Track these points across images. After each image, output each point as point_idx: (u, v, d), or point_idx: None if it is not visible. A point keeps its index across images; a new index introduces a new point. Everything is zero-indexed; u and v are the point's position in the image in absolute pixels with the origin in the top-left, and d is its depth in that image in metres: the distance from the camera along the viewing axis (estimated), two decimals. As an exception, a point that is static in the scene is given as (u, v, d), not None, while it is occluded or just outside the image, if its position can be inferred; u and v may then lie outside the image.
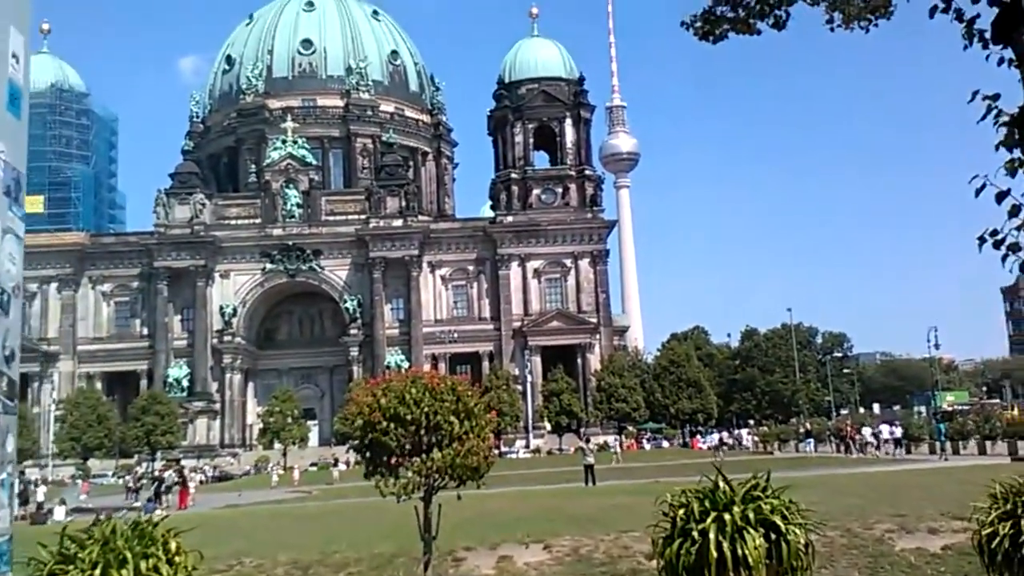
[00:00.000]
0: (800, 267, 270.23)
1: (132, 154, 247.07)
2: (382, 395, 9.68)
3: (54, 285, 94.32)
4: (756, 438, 70.77)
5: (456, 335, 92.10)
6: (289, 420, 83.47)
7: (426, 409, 9.46)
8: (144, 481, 49.42)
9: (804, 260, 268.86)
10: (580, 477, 36.54)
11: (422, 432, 9.50)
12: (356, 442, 10.13)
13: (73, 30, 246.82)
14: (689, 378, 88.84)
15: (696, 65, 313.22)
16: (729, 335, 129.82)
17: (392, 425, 9.48)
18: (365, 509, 20.85)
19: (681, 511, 7.87)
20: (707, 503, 7.74)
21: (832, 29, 6.84)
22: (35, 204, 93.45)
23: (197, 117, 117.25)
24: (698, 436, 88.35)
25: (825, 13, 6.74)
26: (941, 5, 5.22)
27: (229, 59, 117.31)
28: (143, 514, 28.19)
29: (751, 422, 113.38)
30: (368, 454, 9.93)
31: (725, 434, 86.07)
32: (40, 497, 38.42)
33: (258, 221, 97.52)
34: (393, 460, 9.67)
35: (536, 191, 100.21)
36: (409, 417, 9.42)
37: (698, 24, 7.06)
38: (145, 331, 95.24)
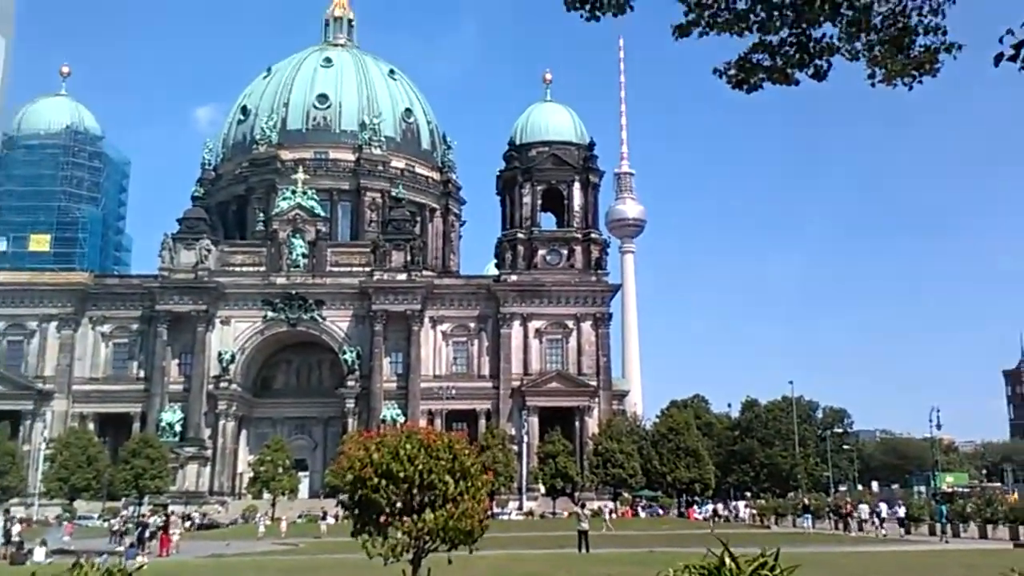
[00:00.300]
0: (803, 340, 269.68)
1: (142, 198, 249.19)
2: (375, 450, 9.27)
3: (54, 324, 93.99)
4: (753, 511, 69.62)
5: (454, 391, 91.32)
6: (280, 470, 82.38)
7: (420, 467, 9.01)
8: (129, 526, 48.55)
9: (807, 333, 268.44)
10: (573, 542, 35.85)
11: (414, 491, 9.05)
12: (345, 497, 9.75)
13: (92, 74, 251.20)
14: (688, 446, 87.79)
15: (706, 135, 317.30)
16: (730, 405, 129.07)
17: (383, 482, 9.05)
18: (350, 567, 20.29)
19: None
20: (710, 581, 7.46)
21: (873, 85, 6.59)
22: (41, 243, 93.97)
23: (209, 164, 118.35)
24: (695, 506, 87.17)
25: (867, 68, 6.47)
26: (1010, 52, 4.94)
27: (244, 110, 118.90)
28: (124, 560, 27.65)
29: (748, 494, 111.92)
30: (357, 511, 9.52)
31: (720, 505, 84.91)
32: (15, 536, 37.61)
33: (262, 269, 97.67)
34: (383, 519, 9.22)
35: (542, 252, 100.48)
36: (402, 474, 8.99)
37: (732, 72, 6.82)
38: (142, 373, 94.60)
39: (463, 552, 9.65)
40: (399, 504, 9.46)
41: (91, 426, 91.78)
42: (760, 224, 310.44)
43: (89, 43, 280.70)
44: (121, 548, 38.52)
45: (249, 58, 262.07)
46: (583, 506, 41.56)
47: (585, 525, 33.84)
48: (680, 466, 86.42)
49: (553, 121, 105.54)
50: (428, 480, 9.50)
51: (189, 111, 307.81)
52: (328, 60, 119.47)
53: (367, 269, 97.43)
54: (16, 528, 43.37)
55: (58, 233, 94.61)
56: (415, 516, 9.40)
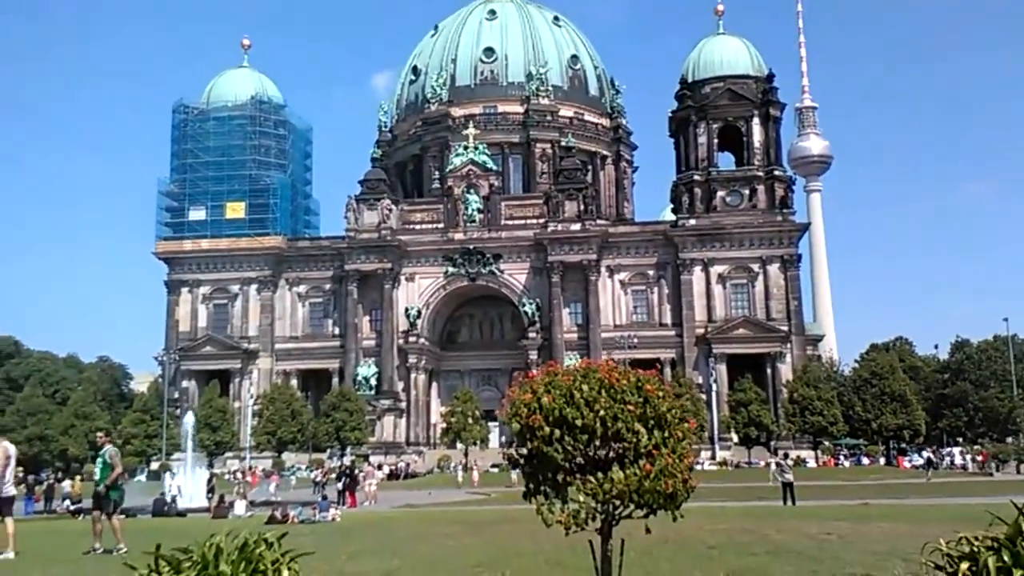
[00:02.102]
0: (1014, 275, 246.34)
1: (326, 163, 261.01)
2: (544, 392, 7.70)
3: (254, 286, 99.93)
4: (976, 457, 63.98)
5: (636, 340, 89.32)
6: (470, 420, 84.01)
7: (602, 412, 7.38)
8: (330, 476, 50.40)
9: (1017, 268, 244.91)
10: (773, 494, 33.56)
11: (597, 443, 7.50)
12: (512, 450, 8.28)
13: (273, 46, 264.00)
14: (893, 391, 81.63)
15: (891, 62, 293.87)
16: (936, 346, 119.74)
17: (557, 432, 7.54)
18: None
19: (966, 565, 5.65)
20: (1007, 556, 5.49)
21: None
22: (237, 210, 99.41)
23: (385, 126, 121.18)
24: (904, 454, 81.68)
25: None
26: None
27: (415, 70, 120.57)
28: (317, 512, 28.15)
29: (960, 440, 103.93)
30: (527, 468, 7.99)
31: (930, 453, 78.85)
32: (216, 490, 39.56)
33: (441, 226, 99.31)
34: (560, 477, 7.71)
35: (721, 193, 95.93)
36: (579, 423, 7.38)
37: None
38: (336, 331, 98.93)
39: (663, 517, 7.91)
40: (579, 460, 7.74)
41: (293, 382, 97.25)
42: (955, 152, 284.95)
43: (268, 15, 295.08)
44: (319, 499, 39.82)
45: (418, 19, 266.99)
46: (785, 456, 38.78)
47: (789, 476, 31.40)
48: (886, 412, 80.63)
49: (727, 54, 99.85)
50: (613, 429, 7.76)
51: (367, 78, 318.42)
52: (492, 12, 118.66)
53: (541, 221, 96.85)
54: (240, 480, 46.11)
55: (251, 200, 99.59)
56: (601, 474, 7.67)
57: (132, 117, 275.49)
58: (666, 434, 7.79)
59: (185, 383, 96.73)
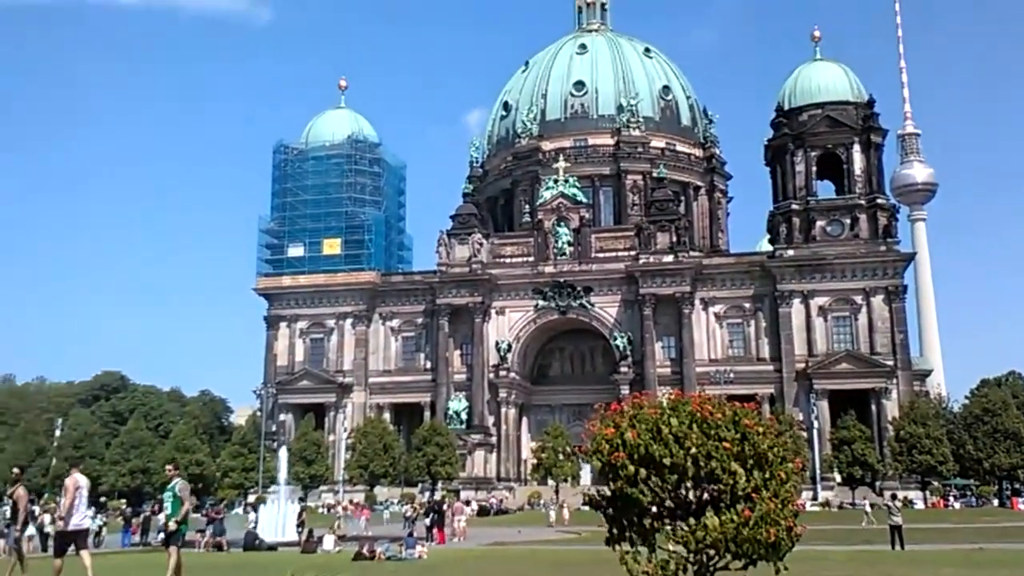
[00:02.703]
0: None
1: (419, 199, 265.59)
2: (628, 427, 6.93)
3: (349, 321, 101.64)
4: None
5: (732, 375, 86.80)
6: (561, 456, 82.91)
7: (694, 450, 6.57)
8: (420, 512, 50.13)
9: None
10: (879, 537, 31.60)
11: (688, 484, 6.69)
12: (594, 490, 7.48)
13: (369, 86, 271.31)
14: (1006, 428, 76.84)
15: (995, 84, 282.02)
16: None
17: (643, 471, 6.72)
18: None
19: None
20: None
21: None
22: (334, 246, 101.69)
23: (476, 162, 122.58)
24: (1020, 495, 76.86)
25: None
26: None
27: (506, 105, 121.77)
28: (404, 548, 27.80)
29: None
30: (611, 511, 7.19)
31: None
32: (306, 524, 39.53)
33: (531, 259, 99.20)
34: (647, 523, 6.88)
35: (820, 223, 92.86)
36: (668, 461, 6.57)
37: None
38: (428, 364, 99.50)
39: (763, 569, 6.98)
40: (668, 503, 6.94)
41: (386, 416, 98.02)
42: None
43: (364, 56, 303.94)
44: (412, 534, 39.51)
45: (510, 57, 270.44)
46: (893, 497, 36.50)
47: (898, 518, 29.42)
48: (999, 450, 75.87)
49: (825, 80, 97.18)
50: (707, 469, 7.10)
51: (459, 115, 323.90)
52: (583, 47, 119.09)
53: (632, 253, 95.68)
54: (339, 515, 46.02)
55: (347, 236, 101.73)
56: (692, 520, 6.85)
57: (236, 158, 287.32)
58: (767, 475, 6.98)
59: (282, 416, 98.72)
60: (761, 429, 7.04)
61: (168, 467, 17.79)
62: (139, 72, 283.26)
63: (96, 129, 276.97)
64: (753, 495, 6.89)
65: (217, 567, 22.10)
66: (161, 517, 43.63)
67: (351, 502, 70.85)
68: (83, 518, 16.57)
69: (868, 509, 56.18)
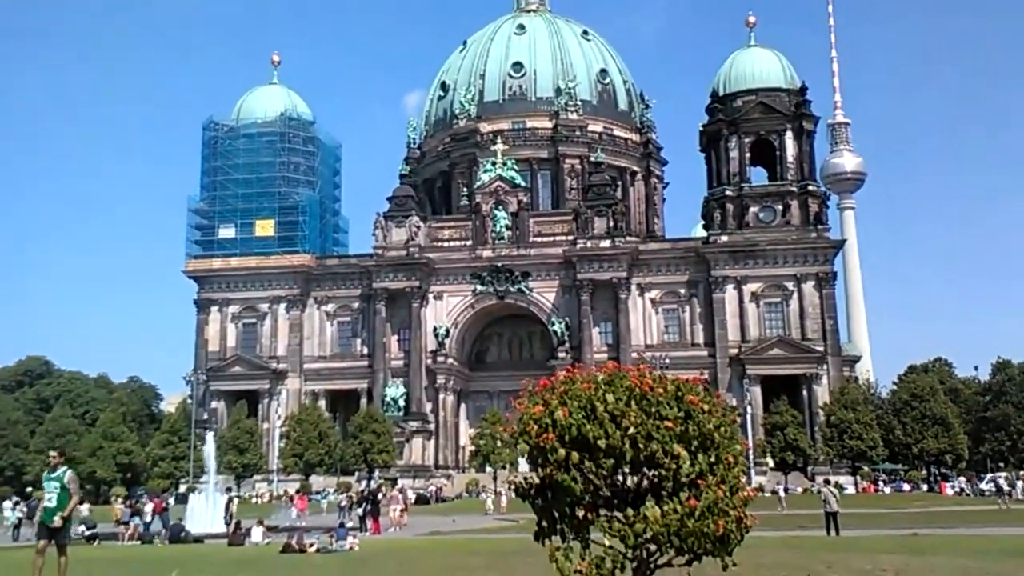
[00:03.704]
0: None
1: (356, 181, 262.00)
2: (559, 404, 6.18)
3: (283, 305, 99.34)
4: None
5: (668, 361, 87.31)
6: (499, 443, 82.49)
7: (632, 430, 5.86)
8: (352, 500, 49.10)
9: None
10: (813, 522, 31.80)
11: (626, 469, 5.96)
12: (518, 478, 6.66)
13: (303, 65, 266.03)
14: (934, 414, 78.86)
15: (925, 76, 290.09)
16: (977, 368, 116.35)
17: (575, 455, 6.00)
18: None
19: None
20: None
21: None
22: (266, 228, 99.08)
23: (414, 143, 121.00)
24: (947, 480, 79.14)
25: None
26: None
27: (444, 85, 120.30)
28: (334, 540, 26.90)
29: (1002, 465, 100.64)
30: (539, 501, 6.40)
31: (1004, 478, 76.22)
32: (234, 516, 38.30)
33: (469, 243, 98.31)
34: (580, 514, 6.14)
35: (753, 209, 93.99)
36: (603, 443, 5.85)
37: None
38: (365, 350, 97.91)
39: (709, 565, 6.30)
40: (604, 491, 6.18)
41: (322, 403, 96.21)
42: (996, 167, 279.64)
43: (296, 32, 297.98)
44: (348, 524, 38.54)
45: (449, 37, 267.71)
46: (827, 483, 36.65)
47: (834, 504, 29.49)
48: (927, 436, 77.87)
49: (759, 66, 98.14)
50: (647, 452, 6.33)
51: (398, 96, 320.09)
52: (521, 27, 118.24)
53: (570, 238, 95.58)
54: (285, 504, 44.64)
55: (280, 217, 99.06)
56: (631, 511, 6.10)
57: (163, 135, 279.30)
58: (713, 459, 6.31)
59: (214, 404, 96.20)
60: (707, 407, 6.37)
61: (52, 453, 15.63)
62: (62, 41, 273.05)
63: (16, 103, 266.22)
64: (698, 481, 6.23)
65: (130, 560, 20.94)
66: (83, 508, 41.84)
67: (296, 491, 69.33)
68: None
69: (782, 495, 57.19)
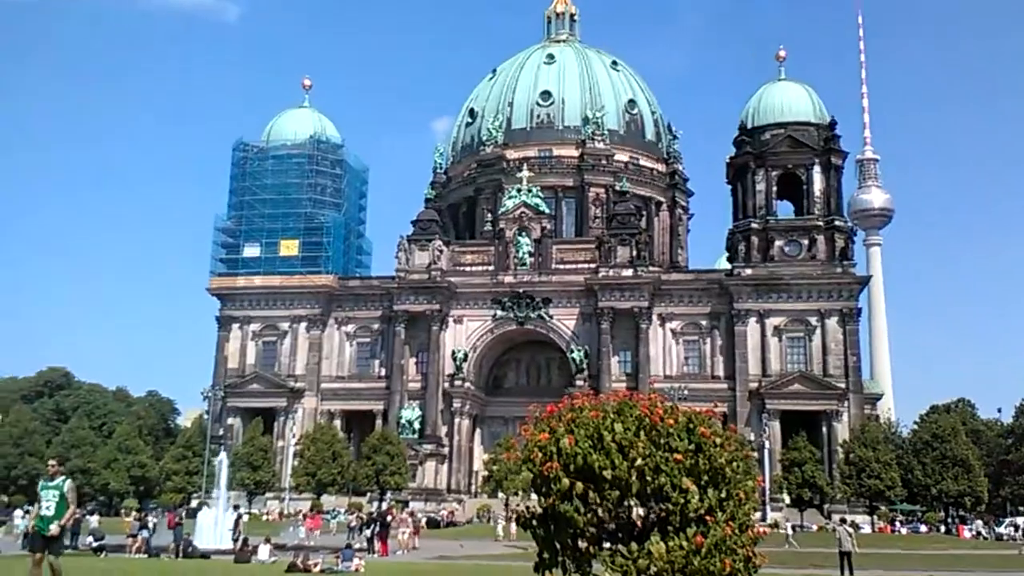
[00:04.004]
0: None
1: (383, 205, 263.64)
2: (565, 432, 5.94)
3: (303, 324, 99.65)
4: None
5: (686, 392, 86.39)
6: (509, 469, 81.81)
7: (640, 462, 5.63)
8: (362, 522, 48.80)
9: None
10: (828, 561, 31.16)
11: (632, 502, 5.70)
12: (521, 505, 6.44)
13: (334, 89, 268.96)
14: (955, 455, 77.48)
15: (956, 113, 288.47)
16: (1000, 410, 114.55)
17: (580, 485, 5.74)
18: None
19: None
20: None
21: None
22: (291, 248, 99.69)
23: (440, 168, 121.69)
24: (965, 522, 77.68)
25: None
26: None
27: (472, 112, 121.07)
28: (340, 561, 26.68)
29: (1021, 509, 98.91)
30: (541, 531, 6.15)
31: (981, 522, 74.85)
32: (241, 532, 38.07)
33: (491, 268, 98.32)
34: (582, 546, 5.87)
35: (779, 243, 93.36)
36: (609, 474, 5.66)
37: None
38: (383, 372, 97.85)
39: None
40: (608, 524, 5.92)
41: (337, 422, 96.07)
42: (1023, 208, 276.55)
43: (328, 57, 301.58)
44: (356, 544, 38.28)
45: (479, 65, 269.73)
46: (843, 521, 35.92)
47: (848, 545, 28.84)
48: (947, 477, 76.47)
49: (788, 100, 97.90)
50: (654, 485, 6.16)
51: (426, 122, 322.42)
52: (551, 57, 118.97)
53: (592, 266, 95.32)
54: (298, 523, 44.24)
55: (305, 238, 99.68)
56: (635, 545, 5.83)
57: (194, 154, 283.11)
58: (723, 494, 6.04)
59: (231, 420, 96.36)
60: (719, 440, 6.13)
61: (51, 462, 15.64)
62: (98, 62, 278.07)
63: (50, 121, 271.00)
64: (707, 517, 5.98)
65: (133, 573, 20.83)
66: (93, 519, 41.95)
67: (312, 511, 69.01)
68: None
69: (790, 532, 56.24)
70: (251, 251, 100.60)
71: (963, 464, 77.65)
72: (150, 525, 37.44)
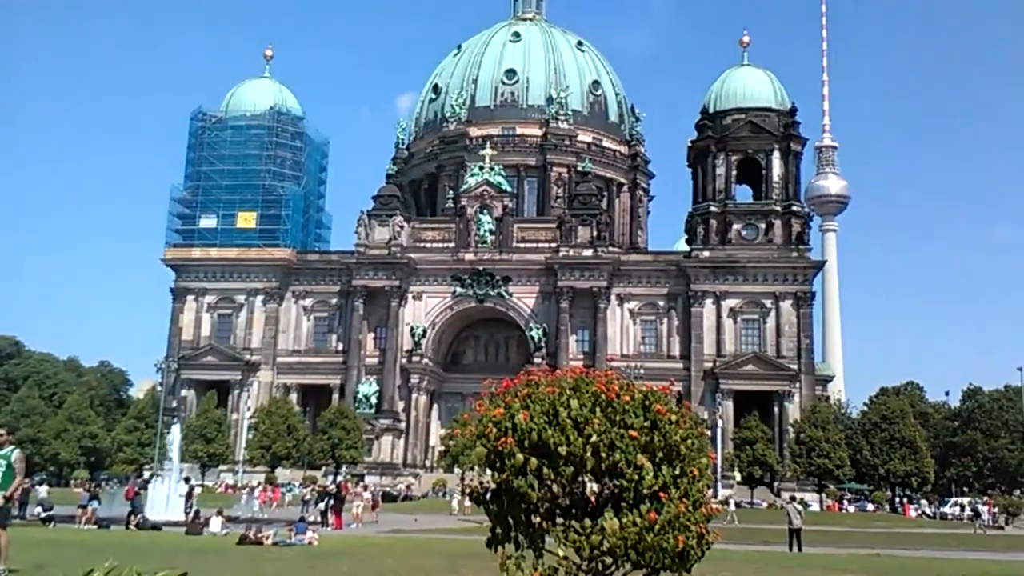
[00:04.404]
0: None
1: (344, 180, 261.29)
2: (520, 408, 6.01)
3: (260, 298, 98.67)
4: (994, 509, 62.42)
5: (642, 371, 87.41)
6: (465, 445, 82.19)
7: (595, 438, 5.80)
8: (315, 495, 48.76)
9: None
10: (777, 538, 31.87)
11: (586, 478, 5.79)
12: (473, 480, 6.47)
13: (297, 61, 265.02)
14: (903, 437, 79.51)
15: (914, 102, 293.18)
16: (947, 393, 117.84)
17: (534, 461, 5.76)
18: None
19: None
20: None
21: None
22: (248, 220, 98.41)
23: (402, 143, 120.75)
24: (911, 502, 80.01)
25: None
26: None
27: (435, 88, 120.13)
28: (293, 534, 26.65)
29: (967, 490, 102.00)
30: (494, 506, 6.23)
31: (926, 502, 77.10)
32: (194, 505, 37.83)
33: (451, 245, 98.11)
34: (536, 522, 6.11)
35: (736, 226, 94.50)
36: (563, 450, 5.75)
37: None
38: (340, 346, 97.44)
39: None
40: (561, 499, 6.05)
41: (293, 396, 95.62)
42: (977, 196, 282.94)
43: (291, 28, 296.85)
44: (309, 517, 38.25)
45: (444, 42, 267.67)
46: (792, 499, 36.73)
47: (798, 522, 29.56)
48: (894, 458, 78.46)
49: (750, 86, 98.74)
50: (609, 461, 6.18)
51: (390, 97, 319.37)
52: (516, 35, 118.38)
53: (553, 245, 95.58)
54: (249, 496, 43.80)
55: (263, 210, 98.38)
56: (589, 521, 6.05)
57: (150, 123, 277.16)
58: (677, 471, 6.15)
59: (184, 392, 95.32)
60: (674, 417, 6.21)
61: (0, 431, 15.14)
62: (53, 26, 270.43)
63: (3, 84, 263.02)
64: (660, 494, 6.08)
65: (81, 544, 20.62)
66: (42, 489, 41.33)
67: (270, 484, 68.65)
68: None
69: (733, 508, 57.56)
70: (207, 222, 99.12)
71: (910, 445, 79.72)
72: (100, 496, 36.98)
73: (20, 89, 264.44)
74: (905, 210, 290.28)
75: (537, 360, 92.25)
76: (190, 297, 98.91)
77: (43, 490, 38.18)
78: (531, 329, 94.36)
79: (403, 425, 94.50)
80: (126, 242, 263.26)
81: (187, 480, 46.12)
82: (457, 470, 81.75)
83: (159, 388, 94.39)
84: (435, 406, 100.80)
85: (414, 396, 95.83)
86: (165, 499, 38.48)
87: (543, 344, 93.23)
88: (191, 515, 31.89)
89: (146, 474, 80.00)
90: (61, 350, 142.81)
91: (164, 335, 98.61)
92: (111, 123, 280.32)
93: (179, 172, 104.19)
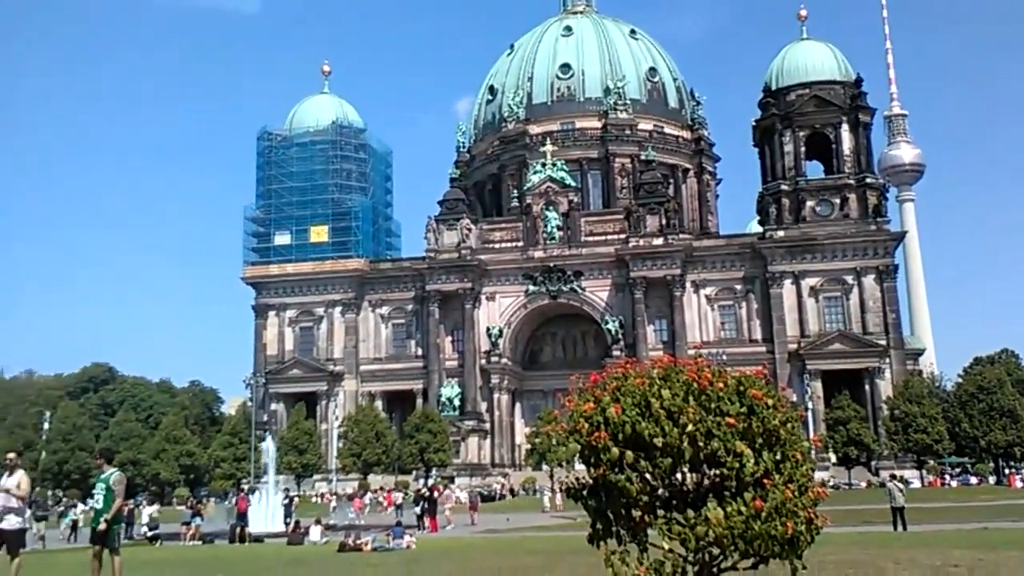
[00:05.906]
0: None
1: (408, 186, 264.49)
2: (611, 401, 5.92)
3: (338, 309, 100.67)
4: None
5: (725, 357, 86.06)
6: (555, 442, 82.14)
7: (691, 427, 5.72)
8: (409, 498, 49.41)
9: None
10: (880, 517, 31.07)
11: (685, 468, 5.72)
12: (569, 476, 6.40)
13: (354, 73, 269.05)
14: (1002, 406, 76.62)
15: (981, 65, 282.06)
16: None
17: (630, 454, 5.65)
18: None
19: None
20: None
21: None
22: (321, 234, 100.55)
23: (463, 147, 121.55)
24: (1017, 472, 77.03)
25: None
26: None
27: (492, 89, 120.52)
28: (391, 539, 27.08)
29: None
30: (593, 502, 6.30)
31: None
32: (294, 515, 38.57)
33: (520, 244, 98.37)
34: (636, 516, 5.85)
35: (810, 203, 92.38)
36: (659, 441, 5.68)
37: None
38: (419, 351, 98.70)
39: (777, 568, 5.96)
40: (661, 491, 6.00)
41: (378, 403, 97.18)
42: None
43: (346, 42, 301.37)
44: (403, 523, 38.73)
45: (498, 42, 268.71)
46: (893, 477, 35.76)
47: (901, 500, 28.81)
48: (995, 428, 75.65)
49: (812, 59, 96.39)
50: (707, 451, 6.03)
51: (448, 101, 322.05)
52: (568, 29, 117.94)
53: (622, 236, 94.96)
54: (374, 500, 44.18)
55: (334, 223, 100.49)
56: (692, 512, 5.91)
57: (220, 146, 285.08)
58: (778, 456, 6.00)
59: (273, 406, 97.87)
60: (771, 401, 6.07)
61: (97, 459, 15.29)
62: (122, 60, 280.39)
63: (79, 119, 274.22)
64: (764, 481, 5.97)
65: (187, 560, 21.33)
66: (148, 510, 42.82)
67: (386, 489, 70.02)
68: (15, 518, 14.74)
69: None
70: (282, 239, 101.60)
71: (1011, 414, 76.81)
72: (202, 512, 38.19)
73: (94, 111, 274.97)
74: (984, 173, 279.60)
75: (616, 353, 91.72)
76: (271, 313, 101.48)
77: (154, 510, 39.61)
78: (607, 322, 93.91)
79: (487, 425, 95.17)
80: (206, 264, 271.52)
81: (286, 491, 47.28)
82: (545, 467, 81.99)
83: (249, 404, 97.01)
84: (517, 405, 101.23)
85: (496, 396, 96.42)
86: (265, 511, 39.55)
87: (620, 336, 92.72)
88: (291, 525, 32.68)
89: (245, 487, 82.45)
90: (153, 373, 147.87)
91: (250, 351, 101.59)
92: (185, 149, 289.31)
93: (251, 192, 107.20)
